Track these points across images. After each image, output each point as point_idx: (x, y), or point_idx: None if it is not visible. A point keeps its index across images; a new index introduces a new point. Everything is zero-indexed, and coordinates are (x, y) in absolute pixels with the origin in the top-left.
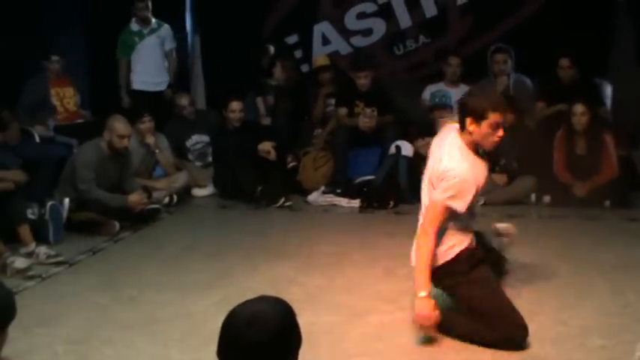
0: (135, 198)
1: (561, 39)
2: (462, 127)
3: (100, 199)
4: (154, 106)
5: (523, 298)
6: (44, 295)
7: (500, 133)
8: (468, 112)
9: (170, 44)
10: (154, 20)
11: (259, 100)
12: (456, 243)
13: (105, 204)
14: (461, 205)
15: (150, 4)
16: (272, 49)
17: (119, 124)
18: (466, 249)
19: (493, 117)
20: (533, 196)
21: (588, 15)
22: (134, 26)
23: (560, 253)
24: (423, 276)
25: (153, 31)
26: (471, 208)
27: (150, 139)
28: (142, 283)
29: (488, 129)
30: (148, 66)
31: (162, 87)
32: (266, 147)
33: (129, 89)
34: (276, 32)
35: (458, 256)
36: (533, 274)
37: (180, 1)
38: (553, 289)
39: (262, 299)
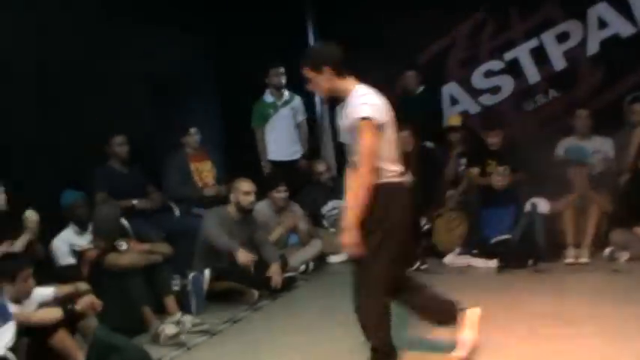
0: (243, 257)
1: None
2: None
3: (219, 243)
4: (289, 176)
5: None
6: None
7: None
8: None
9: (302, 115)
10: (286, 92)
11: None
12: None
13: (219, 248)
14: None
15: (283, 71)
16: None
17: (243, 182)
18: None
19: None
20: None
21: None
22: (268, 97)
23: None
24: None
25: (286, 102)
26: None
27: (302, 226)
28: (283, 354)
29: None
30: (282, 136)
31: (296, 156)
32: None
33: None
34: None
35: None
36: None
37: None
38: None
39: None
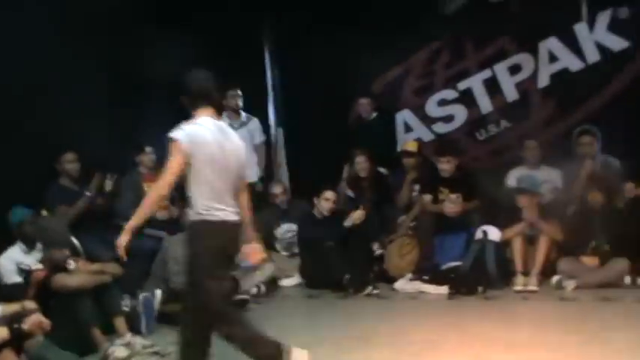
0: None
1: None
2: None
3: None
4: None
5: None
6: None
7: None
8: None
9: (259, 137)
10: (243, 114)
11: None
12: None
13: None
14: None
15: (240, 93)
16: None
17: None
18: None
19: None
20: (627, 279)
21: None
22: (225, 119)
23: None
24: None
25: (243, 124)
26: None
27: None
28: None
29: None
30: None
31: (253, 179)
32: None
33: None
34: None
35: None
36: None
37: (263, 94)
38: None
39: None
